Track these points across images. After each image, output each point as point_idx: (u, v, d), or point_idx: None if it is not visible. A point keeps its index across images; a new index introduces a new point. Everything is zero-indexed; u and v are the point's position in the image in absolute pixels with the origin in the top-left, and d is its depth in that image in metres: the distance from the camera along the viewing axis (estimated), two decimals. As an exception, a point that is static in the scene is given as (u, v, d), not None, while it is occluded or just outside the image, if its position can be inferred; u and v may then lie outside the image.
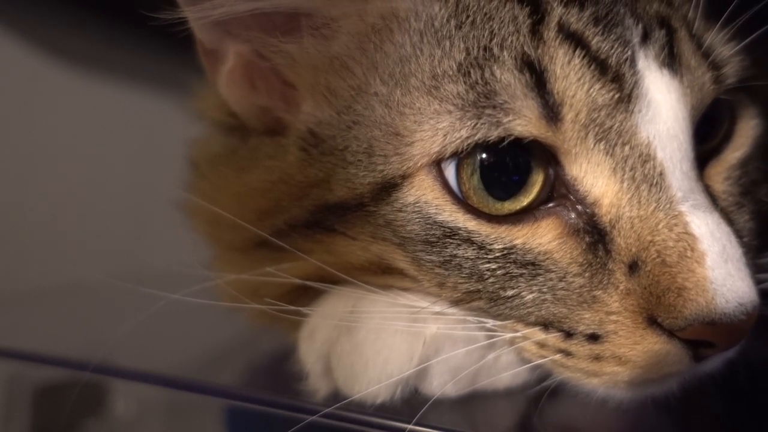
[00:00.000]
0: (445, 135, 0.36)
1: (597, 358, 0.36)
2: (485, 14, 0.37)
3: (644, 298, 0.35)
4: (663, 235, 0.35)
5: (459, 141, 0.35)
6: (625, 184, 0.36)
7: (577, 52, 0.36)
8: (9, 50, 0.77)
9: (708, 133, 0.41)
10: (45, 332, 0.56)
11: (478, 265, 0.36)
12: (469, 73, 0.36)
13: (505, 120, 0.35)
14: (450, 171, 0.36)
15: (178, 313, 0.39)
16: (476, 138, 0.35)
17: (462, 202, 0.36)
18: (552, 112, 0.35)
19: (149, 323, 0.39)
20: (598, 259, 0.36)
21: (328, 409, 0.36)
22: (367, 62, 0.38)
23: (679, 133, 0.37)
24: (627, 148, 0.36)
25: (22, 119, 0.80)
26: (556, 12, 0.37)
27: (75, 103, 0.83)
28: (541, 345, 0.37)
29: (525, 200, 0.36)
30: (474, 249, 0.36)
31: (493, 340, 0.38)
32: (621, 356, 0.35)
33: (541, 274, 0.36)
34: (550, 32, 0.36)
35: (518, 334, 0.37)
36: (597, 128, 0.36)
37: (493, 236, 0.36)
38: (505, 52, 0.36)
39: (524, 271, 0.36)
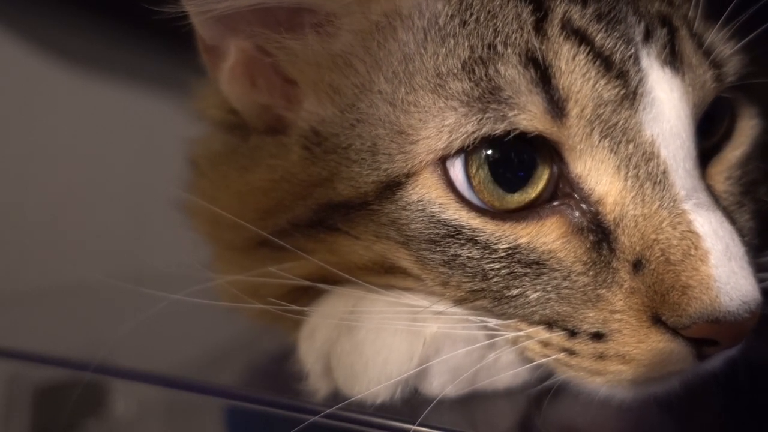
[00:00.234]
0: (450, 132, 0.36)
1: (601, 356, 0.36)
2: (489, 12, 0.37)
3: (648, 297, 0.35)
4: (667, 233, 0.35)
5: (465, 136, 0.35)
6: (629, 182, 0.36)
7: (582, 47, 0.36)
8: (9, 50, 0.77)
9: (709, 130, 0.41)
10: (45, 332, 0.56)
11: (482, 265, 0.36)
12: (474, 70, 0.36)
13: (510, 114, 0.35)
14: (457, 169, 0.36)
15: (178, 314, 0.39)
16: (482, 132, 0.35)
17: (466, 200, 0.36)
18: (557, 108, 0.35)
19: (149, 323, 0.38)
20: (602, 258, 0.36)
21: (329, 410, 0.36)
22: (371, 60, 0.38)
23: (682, 131, 0.37)
24: (631, 145, 0.36)
25: (22, 119, 0.80)
26: (560, 9, 0.37)
27: (75, 103, 0.83)
28: (545, 344, 0.37)
29: (533, 192, 0.36)
30: (478, 249, 0.36)
31: (493, 339, 0.38)
32: (625, 355, 0.35)
33: (545, 273, 0.36)
34: (554, 28, 0.36)
35: (522, 333, 0.37)
36: (602, 124, 0.36)
37: (497, 235, 0.36)
38: (509, 49, 0.36)
39: (528, 270, 0.36)
